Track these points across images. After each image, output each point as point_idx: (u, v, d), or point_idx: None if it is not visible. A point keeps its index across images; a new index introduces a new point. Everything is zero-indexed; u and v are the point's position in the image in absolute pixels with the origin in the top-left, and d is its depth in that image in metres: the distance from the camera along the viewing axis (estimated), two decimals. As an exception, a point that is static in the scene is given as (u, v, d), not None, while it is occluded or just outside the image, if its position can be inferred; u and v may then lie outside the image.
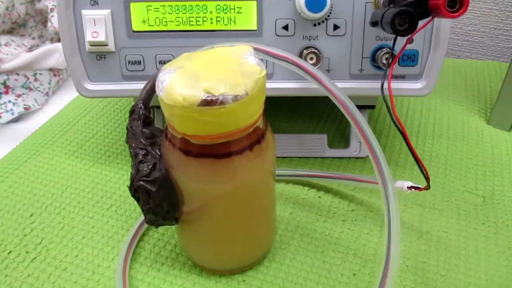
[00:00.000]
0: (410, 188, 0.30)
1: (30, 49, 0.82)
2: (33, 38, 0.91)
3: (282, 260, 0.31)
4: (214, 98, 0.22)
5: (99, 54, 0.34)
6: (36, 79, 0.82)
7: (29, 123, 0.54)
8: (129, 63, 0.34)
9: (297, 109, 0.48)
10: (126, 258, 0.31)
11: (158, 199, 0.26)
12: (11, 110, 0.76)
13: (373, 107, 0.40)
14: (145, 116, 0.28)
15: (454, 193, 0.37)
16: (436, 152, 0.42)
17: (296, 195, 0.37)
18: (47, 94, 0.83)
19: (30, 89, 0.82)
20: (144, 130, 0.28)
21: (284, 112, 0.47)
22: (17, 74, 0.80)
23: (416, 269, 0.31)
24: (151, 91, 0.28)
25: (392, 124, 0.45)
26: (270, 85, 0.35)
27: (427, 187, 0.28)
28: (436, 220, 0.34)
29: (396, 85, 0.35)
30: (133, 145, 0.27)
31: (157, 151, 0.27)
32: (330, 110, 0.48)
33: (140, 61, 0.34)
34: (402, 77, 0.35)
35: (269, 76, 0.35)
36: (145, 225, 0.33)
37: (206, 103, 0.22)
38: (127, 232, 0.34)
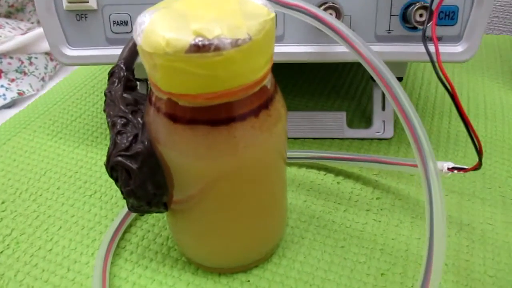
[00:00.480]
0: (451, 169, 0.25)
1: (26, 33, 0.77)
2: (32, 23, 0.87)
3: (294, 256, 0.26)
4: (207, 42, 0.17)
5: (79, 13, 0.29)
6: (31, 63, 0.78)
7: (23, 109, 0.49)
8: (114, 23, 0.29)
9: (311, 85, 0.42)
10: (107, 253, 0.26)
11: (140, 179, 0.21)
12: (4, 95, 0.71)
13: (400, 79, 0.34)
14: (127, 78, 0.23)
15: (496, 179, 0.31)
16: (473, 132, 0.36)
17: (310, 180, 0.31)
18: (43, 79, 0.78)
19: (25, 73, 0.77)
20: (125, 95, 0.22)
21: (297, 88, 0.42)
22: (11, 58, 0.75)
23: (458, 268, 0.25)
24: (134, 49, 0.23)
25: (420, 101, 0.40)
26: (280, 49, 0.29)
27: (478, 166, 0.22)
28: (479, 210, 0.29)
29: (431, 48, 0.29)
30: (111, 113, 0.22)
31: (139, 119, 0.21)
32: (348, 85, 0.42)
33: (127, 21, 0.29)
34: (438, 39, 0.29)
35: (279, 39, 0.30)
36: (133, 214, 0.28)
37: (197, 48, 0.17)
38: (112, 222, 0.28)
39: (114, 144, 0.21)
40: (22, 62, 0.75)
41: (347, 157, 0.31)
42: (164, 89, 0.19)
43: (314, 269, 0.25)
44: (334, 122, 0.35)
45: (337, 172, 0.32)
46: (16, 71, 0.73)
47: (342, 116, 0.35)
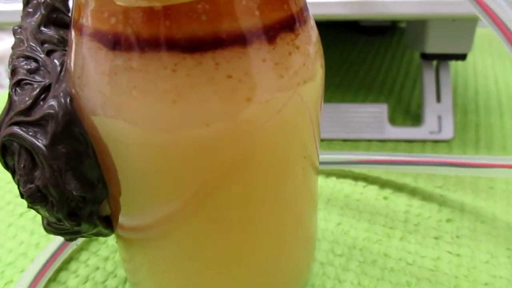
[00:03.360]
0: None
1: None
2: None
3: (329, 312, 0.16)
4: None
5: None
6: (9, 75, 0.70)
7: None
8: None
9: (338, 73, 0.33)
10: (21, 305, 0.16)
11: (53, 168, 0.11)
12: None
13: (463, 57, 0.25)
14: (52, 7, 0.14)
15: None
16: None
17: (344, 194, 0.22)
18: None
19: (1, 86, 0.69)
20: (44, 29, 0.13)
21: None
22: (-14, 68, 0.67)
23: None
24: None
25: (480, 97, 0.30)
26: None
27: None
28: None
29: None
30: (14, 57, 0.13)
31: (56, 61, 0.12)
32: (385, 74, 0.33)
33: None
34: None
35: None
36: (74, 243, 0.18)
37: None
38: (40, 253, 0.18)
39: (9, 104, 0.12)
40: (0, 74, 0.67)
41: (398, 160, 0.21)
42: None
43: (364, 335, 0.15)
44: (371, 117, 0.26)
45: (383, 183, 0.22)
46: (-9, 83, 0.65)
47: (382, 109, 0.26)
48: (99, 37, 0.10)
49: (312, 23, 0.12)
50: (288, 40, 0.11)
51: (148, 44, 0.09)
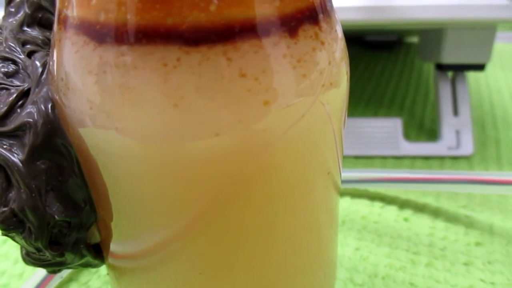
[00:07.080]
0: None
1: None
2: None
3: None
4: None
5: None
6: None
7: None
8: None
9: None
10: None
11: (31, 187, 0.09)
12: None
13: (481, 67, 0.24)
14: (36, 5, 0.12)
15: None
16: None
17: (361, 215, 0.20)
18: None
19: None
20: (27, 29, 0.12)
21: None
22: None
23: None
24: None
25: (497, 111, 0.29)
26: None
27: None
28: None
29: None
30: (-9, 59, 0.11)
31: (38, 63, 0.10)
32: (394, 88, 0.31)
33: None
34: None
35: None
36: (62, 273, 0.16)
37: None
38: (23, 284, 0.16)
39: (-20, 112, 0.10)
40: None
41: (417, 178, 0.20)
42: None
43: None
44: (384, 132, 0.24)
45: (402, 203, 0.20)
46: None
47: (396, 123, 0.24)
48: (85, 28, 0.08)
49: (337, 17, 0.10)
50: (312, 34, 0.09)
51: (145, 35, 0.08)
